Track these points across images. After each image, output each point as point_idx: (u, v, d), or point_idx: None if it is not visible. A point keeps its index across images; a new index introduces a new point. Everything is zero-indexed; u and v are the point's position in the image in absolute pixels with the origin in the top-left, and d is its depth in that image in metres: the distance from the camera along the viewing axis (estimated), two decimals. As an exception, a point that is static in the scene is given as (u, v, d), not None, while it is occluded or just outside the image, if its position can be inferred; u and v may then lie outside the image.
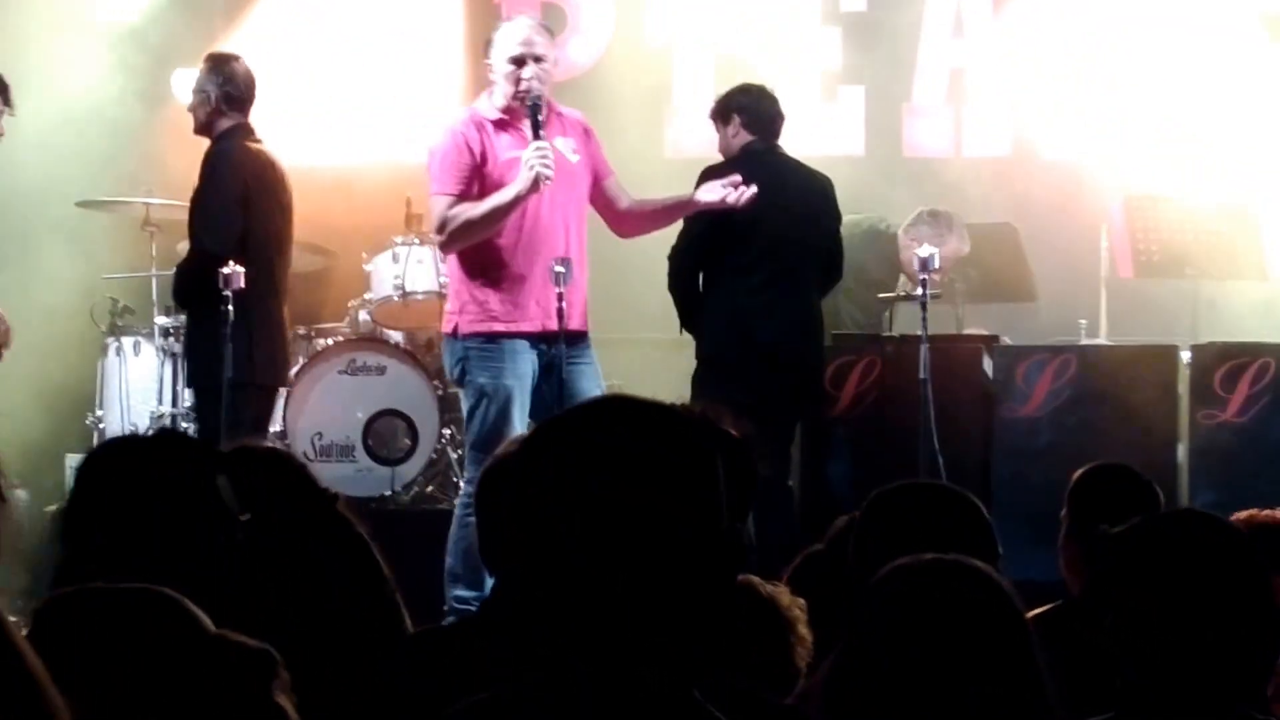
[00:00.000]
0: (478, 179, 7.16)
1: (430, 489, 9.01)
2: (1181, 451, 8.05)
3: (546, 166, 6.98)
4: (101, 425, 9.40)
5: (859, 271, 8.47)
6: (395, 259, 9.14)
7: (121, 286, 9.66)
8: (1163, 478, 6.19)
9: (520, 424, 7.02)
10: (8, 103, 7.79)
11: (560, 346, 7.06)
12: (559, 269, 6.99)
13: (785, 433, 7.75)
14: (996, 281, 9.33)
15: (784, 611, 3.64)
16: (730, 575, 2.11)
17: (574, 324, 7.17)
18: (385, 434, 8.94)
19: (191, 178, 7.91)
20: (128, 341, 9.34)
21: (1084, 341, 8.78)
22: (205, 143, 7.89)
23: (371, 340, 9.24)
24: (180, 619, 2.07)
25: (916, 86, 10.58)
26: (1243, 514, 4.39)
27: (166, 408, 8.99)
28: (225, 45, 9.86)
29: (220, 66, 7.87)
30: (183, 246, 8.27)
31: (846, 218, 8.11)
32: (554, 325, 7.06)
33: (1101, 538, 2.78)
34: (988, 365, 8.24)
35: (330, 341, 9.26)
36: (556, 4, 10.58)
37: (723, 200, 7.29)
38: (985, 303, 9.35)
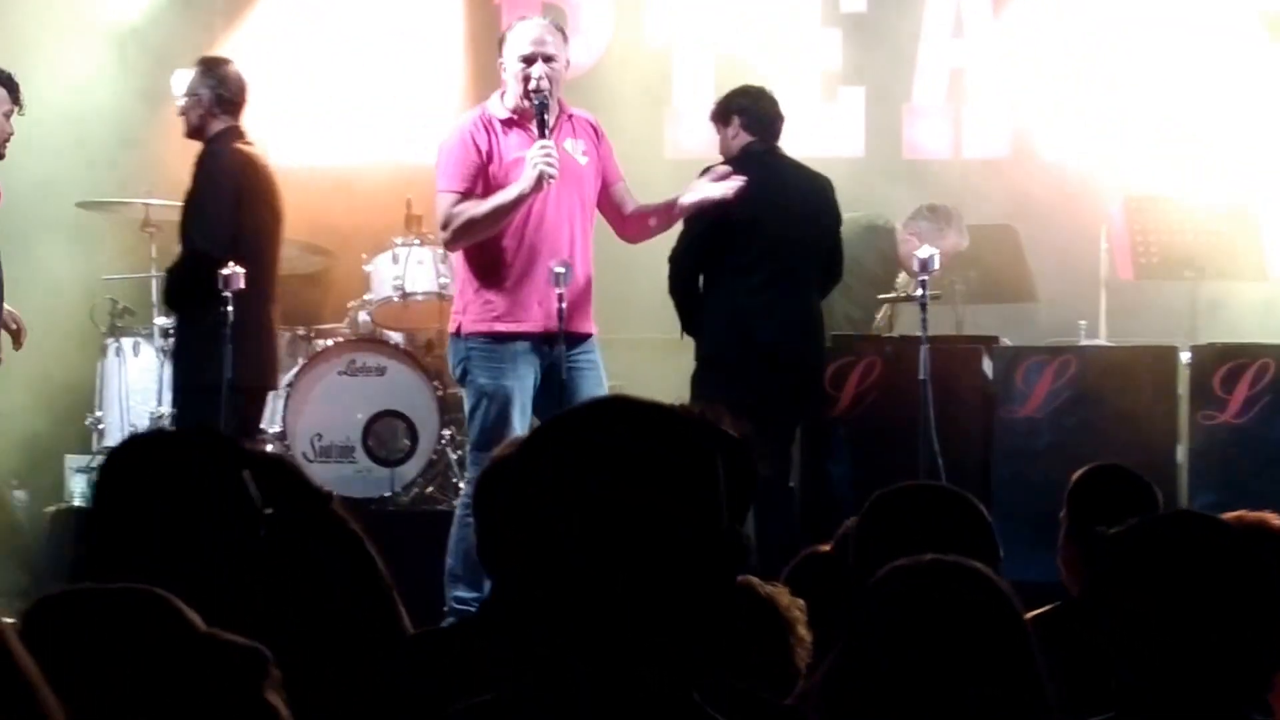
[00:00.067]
0: (484, 178, 7.16)
1: (430, 490, 9.01)
2: (1181, 452, 8.05)
3: (550, 165, 6.97)
4: (101, 426, 9.40)
5: (856, 267, 8.47)
6: (395, 260, 9.14)
7: (121, 287, 9.67)
8: (1162, 479, 6.20)
9: (520, 425, 7.02)
10: (17, 101, 7.81)
11: (560, 347, 7.06)
12: (558, 270, 6.99)
13: (785, 433, 7.76)
14: (996, 282, 9.34)
15: (784, 612, 3.64)
16: (730, 575, 2.11)
17: (577, 325, 7.17)
18: (385, 435, 8.94)
19: (191, 179, 7.92)
20: (127, 342, 9.35)
21: (1084, 342, 8.78)
22: (204, 145, 7.89)
23: (371, 341, 9.24)
24: (170, 618, 2.06)
25: (916, 87, 10.59)
26: (1230, 515, 4.39)
27: (166, 409, 8.97)
28: (225, 45, 9.89)
29: (213, 69, 7.88)
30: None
31: (844, 215, 8.11)
32: (556, 326, 7.06)
33: (1099, 539, 2.78)
34: (987, 366, 8.24)
35: (330, 342, 9.25)
36: (556, 4, 10.57)
37: (713, 197, 7.29)
38: (985, 304, 9.36)
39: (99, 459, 9.24)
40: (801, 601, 3.68)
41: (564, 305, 7.00)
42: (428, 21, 10.84)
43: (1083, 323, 9.06)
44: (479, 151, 7.17)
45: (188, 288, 7.67)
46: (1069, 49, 10.36)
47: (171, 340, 8.94)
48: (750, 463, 2.83)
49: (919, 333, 7.59)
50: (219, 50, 9.06)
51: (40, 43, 9.78)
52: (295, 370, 8.96)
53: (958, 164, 10.43)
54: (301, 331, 9.33)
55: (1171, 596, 2.64)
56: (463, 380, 7.30)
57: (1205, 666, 2.63)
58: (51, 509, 9.01)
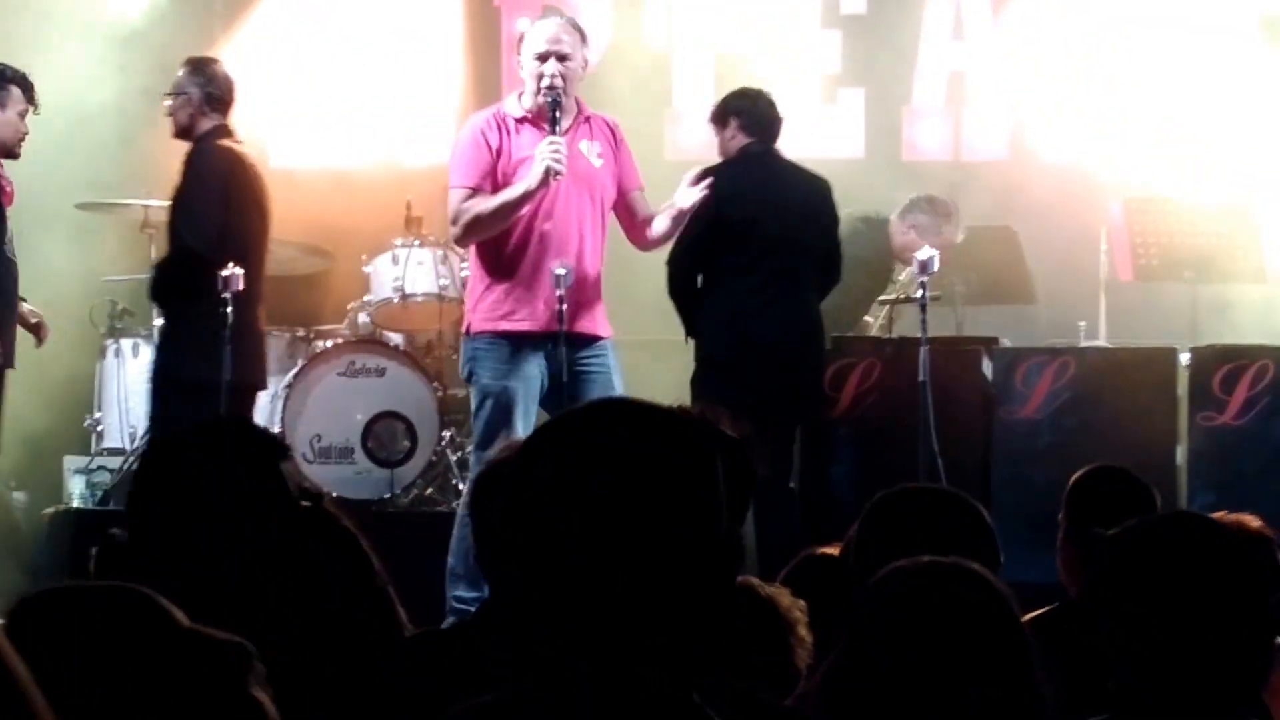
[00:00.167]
0: (493, 175, 7.16)
1: (430, 491, 9.00)
2: (1180, 454, 8.05)
3: (558, 161, 6.96)
4: (100, 427, 9.40)
5: (851, 261, 8.45)
6: (395, 261, 9.13)
7: (121, 289, 9.67)
8: (1162, 480, 6.20)
9: (523, 426, 6.99)
10: (31, 101, 7.83)
11: (562, 349, 7.06)
12: (559, 271, 6.98)
13: (785, 433, 7.76)
14: (996, 284, 9.34)
15: (784, 613, 3.64)
16: (730, 576, 2.11)
17: (583, 327, 7.16)
18: (384, 436, 8.93)
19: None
20: (126, 343, 9.35)
21: (1083, 344, 8.79)
22: (203, 145, 7.89)
23: (371, 342, 9.23)
24: (152, 615, 2.06)
25: (916, 89, 10.60)
26: (1215, 516, 4.39)
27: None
28: (225, 45, 9.89)
29: (201, 68, 7.89)
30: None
31: (839, 211, 8.10)
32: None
33: (1097, 540, 2.78)
34: (987, 367, 8.25)
35: (329, 343, 9.25)
36: (556, 5, 10.58)
37: (684, 208, 7.27)
38: (985, 305, 9.36)
39: (98, 460, 9.25)
40: (802, 603, 3.68)
41: (564, 306, 7.00)
42: (427, 23, 10.84)
43: (1082, 324, 9.07)
44: (490, 148, 7.17)
45: (175, 284, 7.67)
46: (1069, 50, 10.37)
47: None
48: (750, 463, 2.83)
49: (919, 334, 7.60)
50: (219, 51, 9.07)
51: (41, 43, 9.77)
52: (295, 371, 8.95)
53: (957, 165, 10.43)
54: (301, 332, 9.32)
55: (1169, 598, 2.64)
56: (470, 380, 7.30)
57: (1202, 667, 2.63)
58: (50, 510, 9.01)
